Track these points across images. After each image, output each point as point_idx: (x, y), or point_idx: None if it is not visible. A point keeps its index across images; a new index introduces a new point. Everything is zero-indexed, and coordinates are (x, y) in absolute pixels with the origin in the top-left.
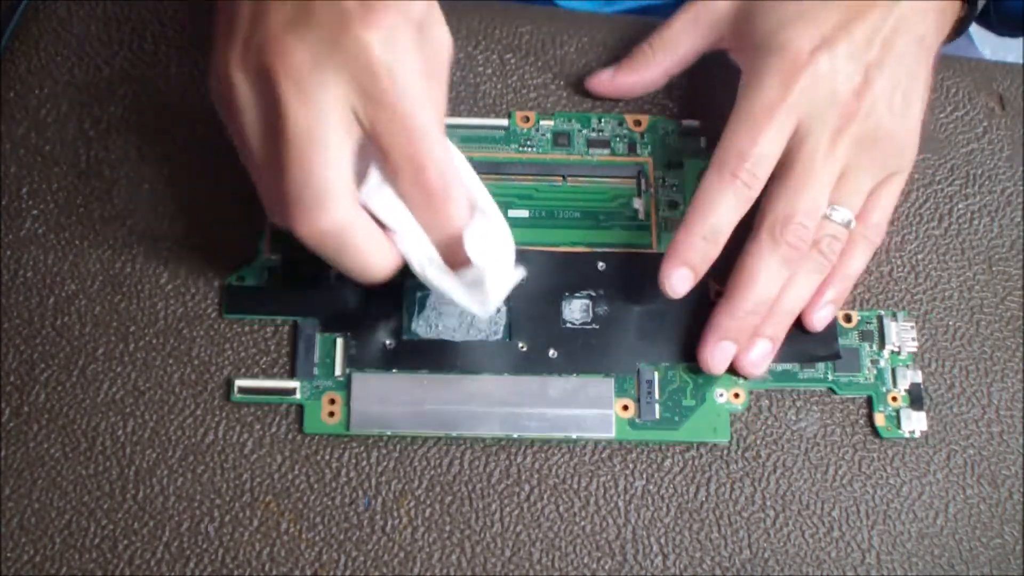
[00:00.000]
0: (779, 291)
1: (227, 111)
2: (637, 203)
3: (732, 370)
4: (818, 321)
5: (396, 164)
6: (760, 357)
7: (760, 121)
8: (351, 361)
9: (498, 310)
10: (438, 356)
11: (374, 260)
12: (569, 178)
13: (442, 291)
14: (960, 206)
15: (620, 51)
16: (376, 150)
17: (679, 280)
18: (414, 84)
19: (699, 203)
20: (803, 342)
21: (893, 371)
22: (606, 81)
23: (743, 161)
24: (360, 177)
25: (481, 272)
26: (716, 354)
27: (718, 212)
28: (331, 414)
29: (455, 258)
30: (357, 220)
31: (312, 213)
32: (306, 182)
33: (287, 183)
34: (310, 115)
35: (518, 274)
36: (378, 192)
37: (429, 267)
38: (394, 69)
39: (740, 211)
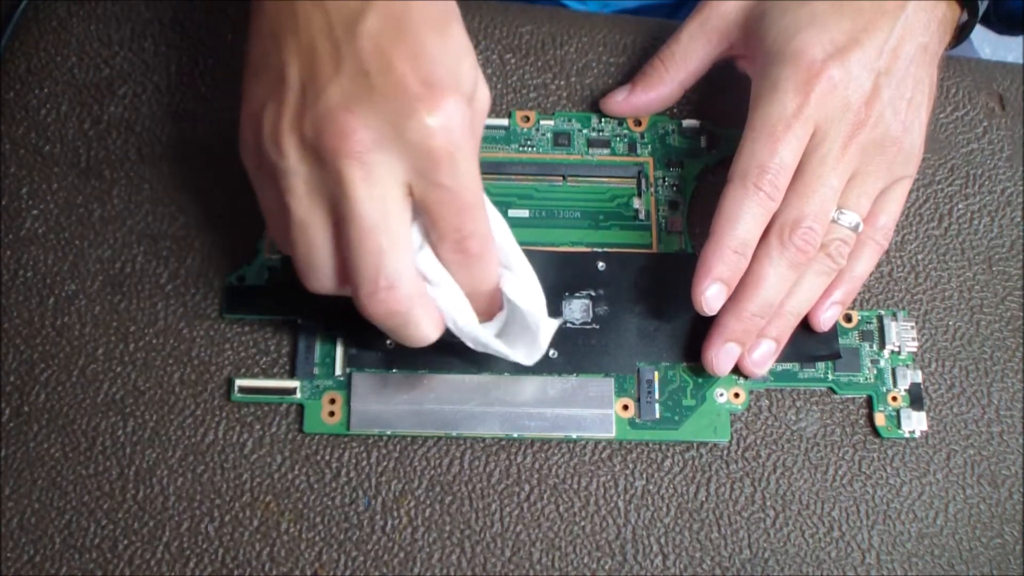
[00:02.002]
0: (786, 294)
1: (267, 174)
2: (637, 203)
3: (733, 369)
4: (824, 322)
5: (442, 233)
6: (764, 357)
7: (778, 131)
8: (351, 361)
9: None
10: (438, 356)
11: (428, 328)
12: (569, 178)
13: (483, 344)
14: (960, 206)
15: (620, 51)
16: (421, 214)
17: (713, 296)
18: (468, 164)
19: (725, 216)
20: (803, 342)
21: (893, 371)
22: (621, 101)
23: (764, 172)
24: None
25: (522, 315)
26: (721, 356)
27: (745, 224)
28: (331, 414)
29: (488, 312)
30: (423, 297)
31: (385, 295)
32: (380, 268)
33: (359, 269)
34: (378, 201)
35: (556, 321)
36: (420, 251)
37: (467, 322)
38: (453, 154)
39: (764, 221)
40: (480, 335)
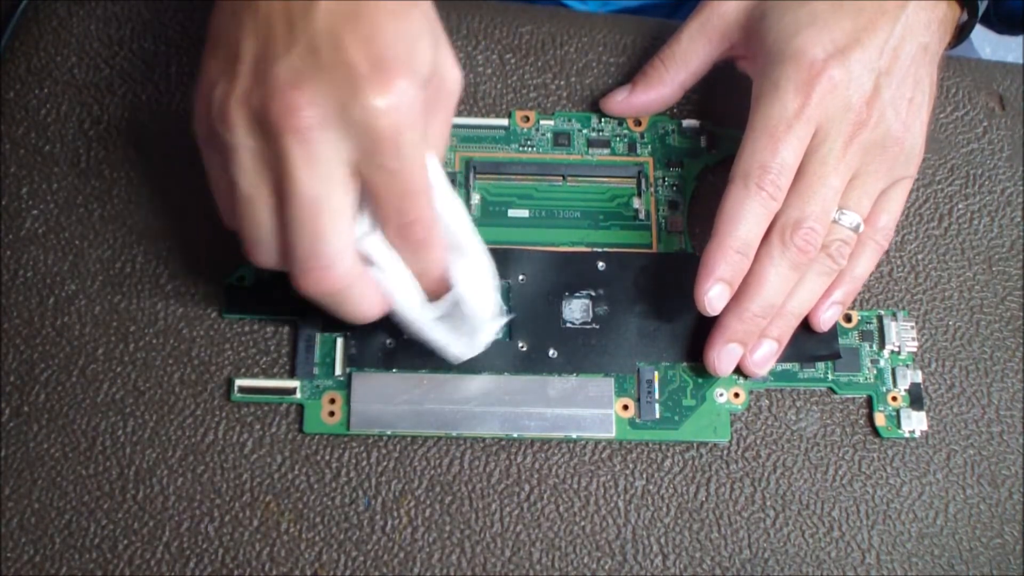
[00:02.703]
0: (787, 294)
1: (216, 148)
2: (637, 203)
3: (734, 369)
4: (824, 322)
5: (386, 217)
6: (765, 357)
7: (780, 132)
8: (351, 361)
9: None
10: (438, 356)
11: (367, 308)
12: (569, 178)
13: (423, 329)
14: (960, 206)
15: (620, 51)
16: (368, 196)
17: (716, 296)
18: (414, 148)
19: (727, 217)
20: (803, 342)
21: (893, 371)
22: (621, 101)
23: (766, 172)
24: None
25: (464, 303)
26: (723, 356)
27: (748, 224)
28: (331, 414)
29: (435, 297)
30: (362, 276)
31: (320, 274)
32: (314, 247)
33: (295, 246)
34: (319, 180)
35: (500, 320)
36: (369, 235)
37: (411, 306)
38: (398, 135)
39: (767, 221)
40: (421, 325)
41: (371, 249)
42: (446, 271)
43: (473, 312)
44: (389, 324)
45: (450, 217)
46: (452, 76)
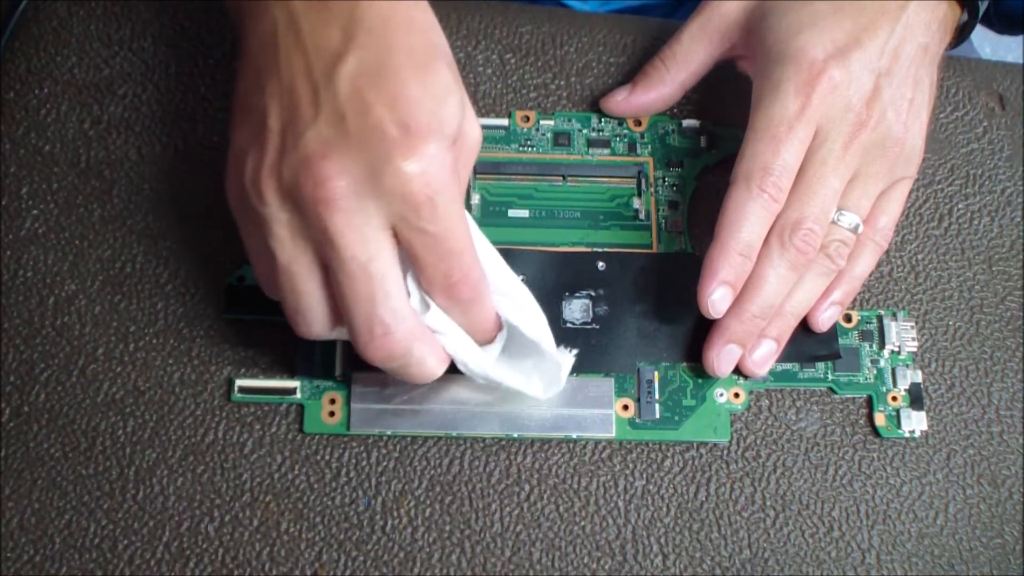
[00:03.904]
0: (786, 294)
1: (251, 218)
2: (637, 203)
3: (733, 369)
4: (823, 322)
5: (430, 279)
6: (764, 358)
7: (781, 133)
8: (351, 361)
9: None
10: None
11: (433, 365)
12: (569, 178)
13: (491, 376)
14: (960, 206)
15: (620, 51)
16: (410, 259)
17: (720, 299)
18: (450, 208)
19: (729, 219)
20: (803, 342)
21: (893, 371)
22: (621, 101)
23: (768, 174)
24: None
25: (517, 334)
26: (722, 357)
27: (750, 226)
28: (331, 414)
29: (488, 341)
30: (424, 336)
31: (383, 340)
32: (374, 313)
33: (353, 315)
34: (362, 246)
35: (572, 356)
36: (423, 298)
37: (479, 362)
38: (432, 198)
39: (768, 223)
40: (492, 374)
41: (430, 320)
42: (496, 318)
43: (528, 340)
44: None
45: (491, 267)
46: (474, 134)
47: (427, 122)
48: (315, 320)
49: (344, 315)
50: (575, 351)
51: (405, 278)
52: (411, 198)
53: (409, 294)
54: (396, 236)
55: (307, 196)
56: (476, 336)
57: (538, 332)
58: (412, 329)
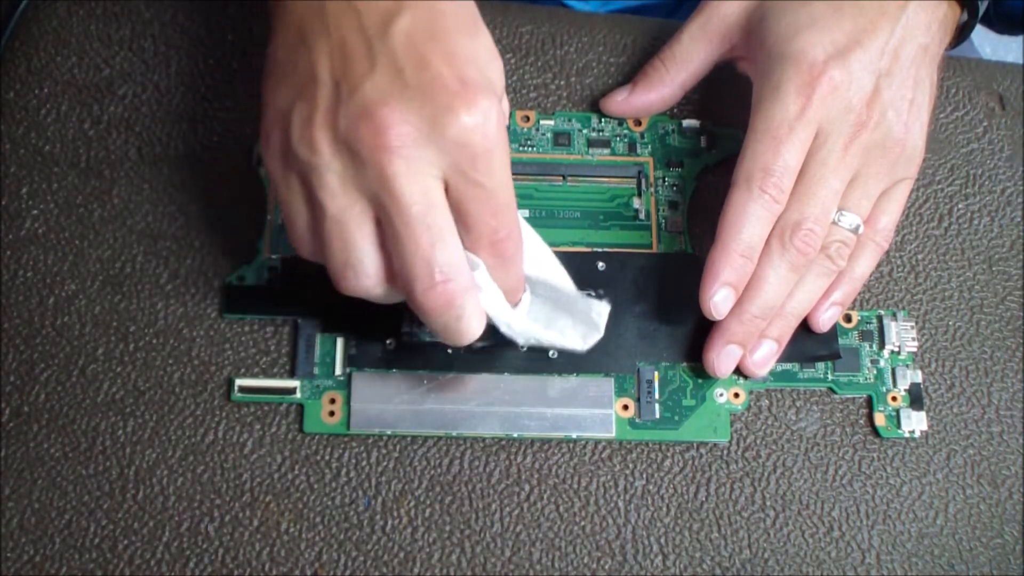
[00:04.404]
0: (787, 295)
1: (297, 172)
2: (637, 203)
3: (734, 370)
4: (823, 322)
5: (479, 234)
6: (765, 358)
7: (782, 134)
8: (351, 361)
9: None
10: (438, 356)
11: (477, 323)
12: (569, 178)
13: (531, 334)
14: (960, 206)
15: (620, 51)
16: (456, 214)
17: (722, 300)
18: (503, 164)
19: (731, 220)
20: (803, 342)
21: (893, 371)
22: (622, 101)
23: (769, 175)
24: None
25: (569, 300)
26: (722, 358)
27: (751, 227)
28: (331, 414)
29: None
30: (474, 292)
31: (443, 287)
32: (434, 260)
33: (411, 264)
34: (422, 194)
35: (600, 302)
36: (471, 258)
37: (519, 324)
38: (490, 151)
39: (770, 224)
40: (532, 331)
41: (474, 270)
42: (524, 278)
43: (560, 295)
44: (389, 324)
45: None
46: (507, 106)
47: (481, 79)
48: (365, 273)
49: (400, 264)
50: (607, 299)
51: None
52: (470, 148)
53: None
54: (447, 190)
55: (366, 143)
56: (508, 297)
57: (568, 286)
58: (468, 281)
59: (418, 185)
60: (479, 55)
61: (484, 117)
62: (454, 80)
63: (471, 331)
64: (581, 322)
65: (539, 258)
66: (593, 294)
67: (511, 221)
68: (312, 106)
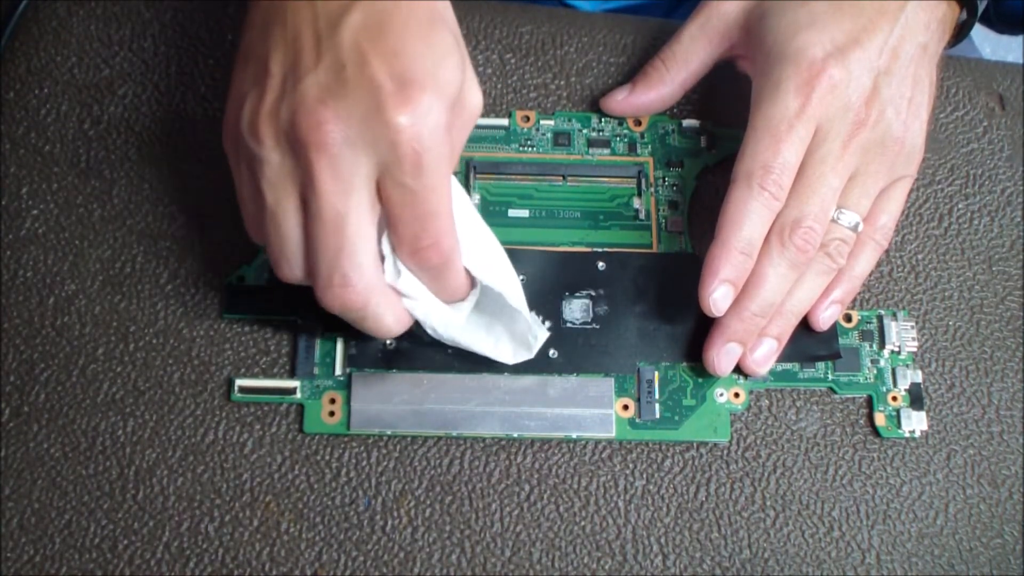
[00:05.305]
0: (786, 293)
1: (244, 160)
2: (637, 203)
3: (734, 369)
4: (824, 321)
5: (400, 238)
6: (765, 356)
7: (781, 132)
8: (351, 361)
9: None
10: (438, 356)
11: (390, 324)
12: (569, 178)
13: (467, 346)
14: (960, 206)
15: (620, 51)
16: (386, 217)
17: (721, 297)
18: (436, 169)
19: (730, 217)
20: (803, 341)
21: (893, 371)
22: (622, 101)
23: (768, 173)
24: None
25: (489, 295)
26: (722, 356)
27: (751, 224)
28: (331, 414)
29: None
30: (382, 294)
31: (339, 290)
32: (336, 263)
33: (317, 261)
34: (343, 195)
35: (540, 326)
36: (396, 264)
37: (449, 327)
38: (419, 153)
39: (769, 221)
40: (460, 338)
41: (401, 284)
42: (467, 282)
43: (504, 305)
44: None
45: (465, 220)
46: (474, 99)
47: (424, 78)
48: (294, 265)
49: (310, 259)
50: (549, 324)
51: (381, 240)
52: (397, 149)
53: (383, 257)
54: (379, 193)
55: (301, 139)
56: (445, 299)
57: (517, 299)
58: (371, 286)
59: (341, 185)
60: (428, 53)
61: (418, 117)
62: (390, 79)
63: (382, 331)
64: (517, 339)
65: (492, 266)
66: (539, 316)
67: (438, 230)
68: (261, 97)
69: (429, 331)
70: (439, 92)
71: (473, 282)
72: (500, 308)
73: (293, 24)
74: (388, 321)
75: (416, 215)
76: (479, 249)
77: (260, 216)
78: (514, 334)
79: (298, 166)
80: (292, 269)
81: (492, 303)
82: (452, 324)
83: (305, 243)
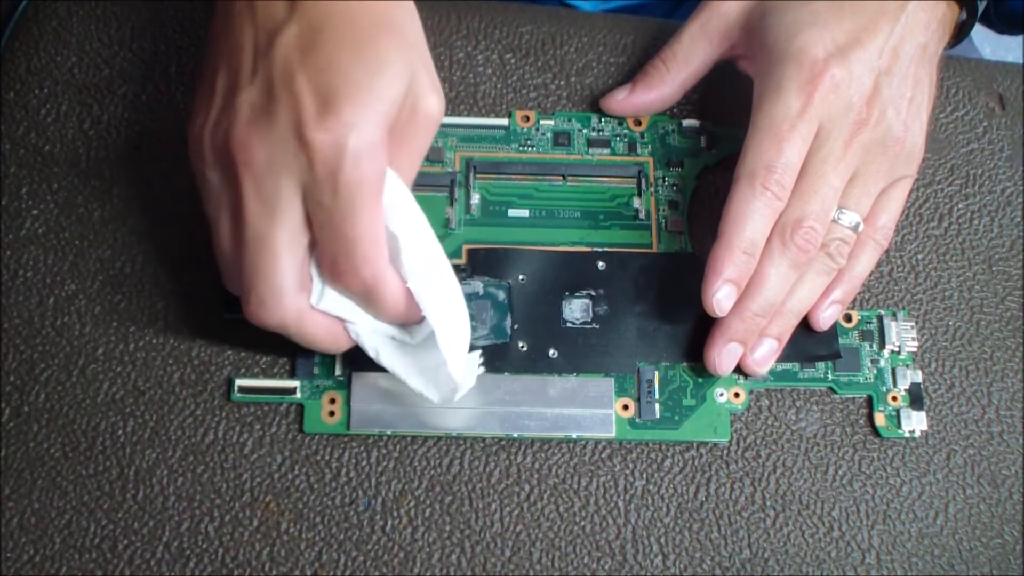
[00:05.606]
0: (787, 293)
1: (198, 177)
2: (637, 203)
3: (734, 368)
4: (823, 321)
5: (320, 257)
6: (765, 356)
7: (783, 131)
8: (351, 361)
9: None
10: None
11: (324, 345)
12: (569, 178)
13: (398, 375)
14: (960, 206)
15: (620, 51)
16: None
17: (724, 297)
18: (356, 188)
19: (733, 217)
20: (804, 341)
21: (893, 371)
22: (622, 101)
23: (771, 172)
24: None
25: (440, 361)
26: (723, 356)
27: (754, 224)
28: (331, 414)
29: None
30: (303, 316)
31: (260, 310)
32: (254, 283)
33: (242, 276)
34: (265, 217)
35: (476, 362)
36: (323, 287)
37: (383, 352)
38: (336, 174)
39: (772, 221)
40: (394, 368)
41: (332, 307)
42: (406, 307)
43: (442, 344)
44: None
45: (417, 245)
46: (427, 104)
47: (351, 93)
48: (233, 278)
49: (238, 271)
50: (481, 370)
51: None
52: (316, 168)
53: (312, 278)
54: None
55: (231, 159)
56: (387, 322)
57: (449, 343)
58: (288, 307)
59: (263, 207)
60: (360, 66)
61: (338, 136)
62: (313, 95)
63: (318, 349)
64: (440, 385)
65: (437, 299)
66: (483, 355)
67: (359, 255)
68: (206, 115)
69: (369, 352)
70: (368, 106)
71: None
72: (430, 354)
73: (236, 41)
74: (317, 341)
75: (333, 237)
76: (429, 276)
77: (210, 227)
78: (439, 381)
79: (230, 185)
80: (230, 282)
81: (422, 345)
82: (385, 351)
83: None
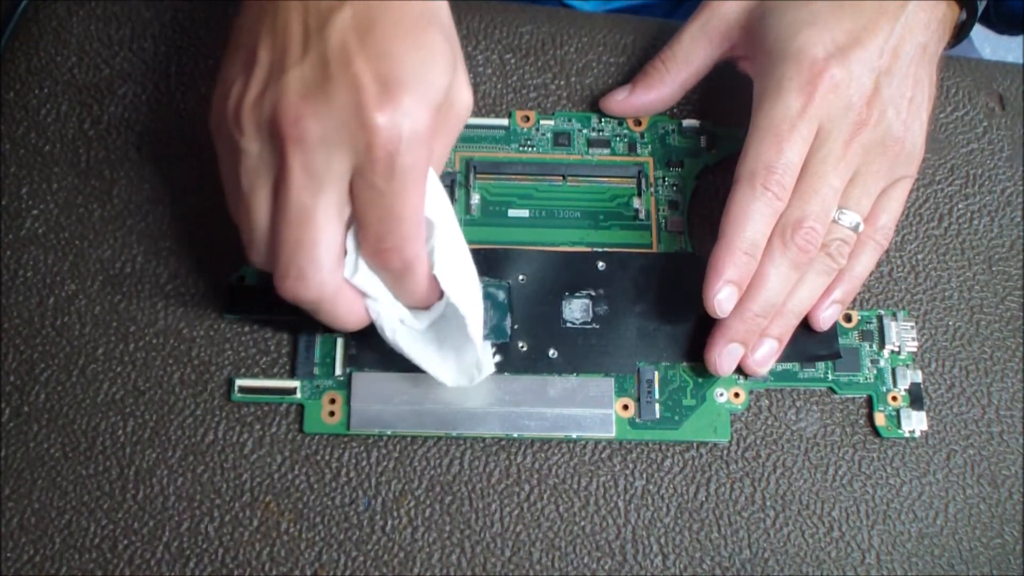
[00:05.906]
0: (787, 293)
1: (227, 145)
2: (637, 203)
3: (734, 369)
4: (824, 321)
5: (364, 237)
6: (766, 356)
7: (784, 132)
8: (351, 361)
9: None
10: None
11: (344, 322)
12: (569, 178)
13: (411, 356)
14: (960, 206)
15: (620, 51)
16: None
17: (726, 298)
18: (409, 172)
19: (733, 217)
20: (804, 341)
21: (893, 371)
22: (622, 101)
23: (772, 173)
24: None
25: (449, 318)
26: (724, 356)
27: (755, 225)
28: (331, 414)
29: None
30: (335, 292)
31: (295, 282)
32: (293, 255)
33: (278, 252)
34: (310, 191)
35: (490, 352)
36: (357, 261)
37: (399, 333)
38: (393, 156)
39: (773, 221)
40: (408, 351)
41: (360, 282)
42: (432, 292)
43: (462, 327)
44: None
45: (447, 232)
46: (463, 100)
47: (407, 81)
48: (261, 251)
49: (273, 248)
50: (498, 357)
51: (346, 233)
52: (371, 151)
53: (346, 252)
54: (351, 193)
55: (279, 132)
56: (407, 303)
57: (476, 328)
58: (325, 282)
59: (311, 181)
60: (415, 56)
61: (396, 120)
62: (373, 80)
63: (337, 326)
64: (462, 366)
65: (462, 285)
66: (493, 346)
67: (402, 234)
68: (246, 86)
69: (380, 333)
70: (422, 96)
71: (441, 294)
72: (456, 329)
73: (284, 18)
74: (343, 317)
75: (382, 217)
76: (454, 264)
77: (236, 199)
78: (460, 360)
79: (274, 157)
80: (258, 255)
81: (449, 322)
82: (402, 332)
83: (271, 232)
